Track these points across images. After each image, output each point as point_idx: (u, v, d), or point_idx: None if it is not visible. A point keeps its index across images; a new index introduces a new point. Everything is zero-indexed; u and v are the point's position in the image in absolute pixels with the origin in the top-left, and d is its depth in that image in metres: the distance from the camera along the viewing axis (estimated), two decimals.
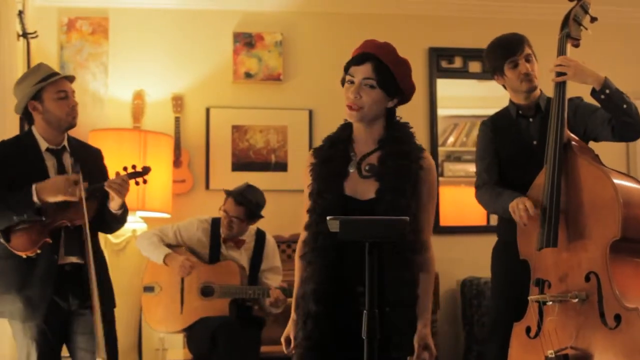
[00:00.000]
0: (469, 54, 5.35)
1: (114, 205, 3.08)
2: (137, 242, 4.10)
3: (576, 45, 3.05)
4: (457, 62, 5.38)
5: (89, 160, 3.21)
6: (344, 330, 2.21)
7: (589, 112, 3.08)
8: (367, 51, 2.36)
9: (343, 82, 2.40)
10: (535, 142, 3.15)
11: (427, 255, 2.38)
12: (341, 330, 2.23)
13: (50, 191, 2.94)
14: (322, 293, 2.25)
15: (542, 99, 3.21)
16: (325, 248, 2.26)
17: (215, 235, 4.06)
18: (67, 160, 3.12)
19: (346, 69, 2.38)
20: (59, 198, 2.95)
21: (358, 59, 2.35)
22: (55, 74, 3.14)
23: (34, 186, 2.93)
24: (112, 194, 3.03)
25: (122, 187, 3.02)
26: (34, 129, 3.11)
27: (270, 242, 4.16)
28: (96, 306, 2.90)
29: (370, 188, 2.31)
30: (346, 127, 2.43)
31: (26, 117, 3.14)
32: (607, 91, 2.88)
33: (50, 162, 3.08)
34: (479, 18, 5.36)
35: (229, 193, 4.04)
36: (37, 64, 3.25)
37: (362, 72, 2.33)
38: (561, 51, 3.01)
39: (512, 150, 3.22)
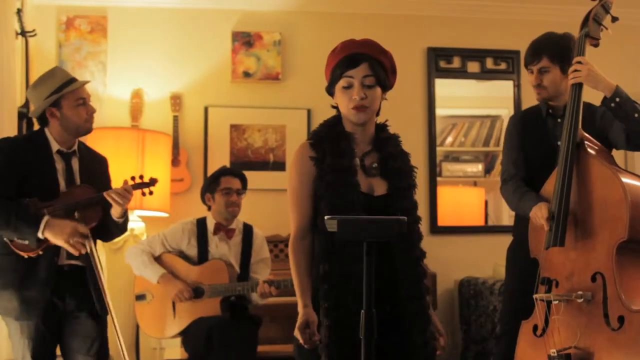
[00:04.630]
0: (468, 54, 5.36)
1: (114, 212, 3.07)
2: (127, 259, 4.07)
3: (595, 45, 3.01)
4: (456, 62, 5.39)
5: (95, 167, 3.21)
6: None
7: (612, 119, 3.05)
8: (357, 52, 2.35)
9: (331, 88, 2.39)
10: (559, 143, 3.13)
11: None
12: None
13: (56, 233, 2.91)
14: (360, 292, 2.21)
15: None
16: (355, 245, 2.18)
17: (202, 234, 4.07)
18: (76, 164, 3.11)
19: (339, 75, 2.35)
20: (60, 243, 2.93)
21: (351, 62, 2.33)
22: (73, 79, 3.12)
23: (44, 220, 2.90)
24: (111, 202, 3.02)
25: (121, 197, 3.00)
26: (47, 131, 3.09)
27: (258, 234, 4.17)
28: (112, 313, 2.95)
29: (379, 185, 2.36)
30: (336, 122, 2.42)
31: (41, 121, 3.11)
32: (618, 99, 2.87)
33: (59, 165, 3.06)
34: (477, 18, 5.37)
35: (218, 174, 4.09)
36: (52, 68, 3.20)
37: (360, 72, 2.32)
38: (580, 50, 2.97)
39: (535, 148, 3.22)
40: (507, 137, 3.33)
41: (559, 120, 3.19)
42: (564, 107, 3.15)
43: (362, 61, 2.33)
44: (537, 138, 3.23)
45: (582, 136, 2.88)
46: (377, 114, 2.44)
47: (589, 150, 2.85)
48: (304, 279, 2.32)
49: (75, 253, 2.95)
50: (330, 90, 2.41)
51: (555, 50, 3.16)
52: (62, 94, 3.04)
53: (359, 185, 2.32)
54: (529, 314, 2.90)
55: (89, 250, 2.97)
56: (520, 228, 3.14)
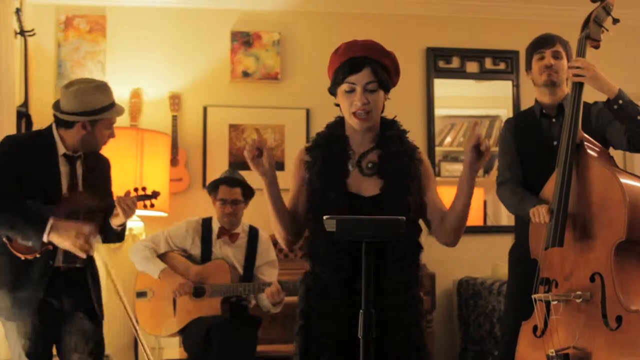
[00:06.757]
0: (467, 54, 5.37)
1: (116, 221, 3.07)
2: (130, 255, 4.08)
3: (596, 47, 3.02)
4: (455, 62, 5.39)
5: (99, 169, 3.20)
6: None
7: (609, 119, 3.07)
8: (360, 55, 2.32)
9: (333, 89, 2.38)
10: (555, 143, 3.13)
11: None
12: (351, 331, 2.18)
13: (61, 236, 2.89)
14: (342, 293, 2.23)
15: (566, 100, 3.17)
16: (339, 248, 2.22)
17: (207, 234, 4.06)
18: (80, 169, 3.08)
19: (341, 79, 2.32)
20: (65, 246, 2.91)
21: (354, 66, 2.31)
22: (114, 103, 3.09)
23: (50, 222, 2.87)
24: (119, 212, 3.00)
25: (130, 209, 3.00)
26: (57, 132, 3.04)
27: (263, 237, 4.15)
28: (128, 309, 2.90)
29: (373, 185, 2.32)
30: (338, 125, 2.42)
31: (64, 123, 3.02)
32: (620, 102, 2.90)
33: (64, 169, 3.03)
34: (476, 18, 5.37)
35: (216, 182, 4.05)
36: (104, 82, 3.10)
37: (363, 77, 2.29)
38: (580, 52, 2.99)
39: (532, 150, 3.23)
40: (502, 141, 3.35)
41: (553, 120, 3.21)
42: (558, 106, 3.19)
43: (365, 66, 2.29)
44: (532, 139, 3.24)
45: (581, 137, 2.89)
46: (382, 112, 2.41)
47: (589, 151, 2.86)
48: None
49: (82, 255, 2.93)
50: (332, 92, 2.40)
51: (564, 41, 3.24)
52: (107, 117, 3.03)
53: (345, 186, 2.31)
54: (530, 315, 2.91)
55: (94, 252, 2.94)
56: (521, 230, 3.14)
